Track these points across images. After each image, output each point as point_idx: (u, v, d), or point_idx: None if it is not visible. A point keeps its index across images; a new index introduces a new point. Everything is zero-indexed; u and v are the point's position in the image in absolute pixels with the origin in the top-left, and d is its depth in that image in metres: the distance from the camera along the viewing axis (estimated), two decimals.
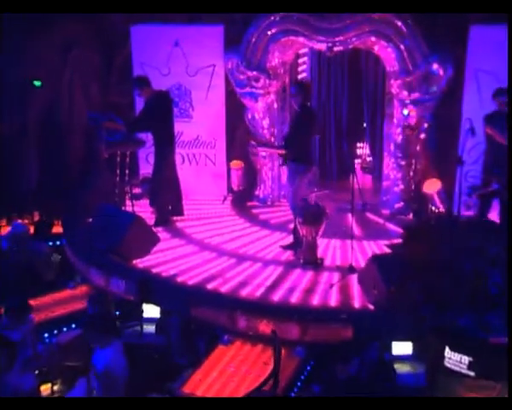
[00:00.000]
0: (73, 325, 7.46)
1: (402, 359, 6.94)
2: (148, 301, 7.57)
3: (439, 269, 5.53)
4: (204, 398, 5.87)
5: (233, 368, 6.54)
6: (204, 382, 6.30)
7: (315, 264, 8.15)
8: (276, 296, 7.33)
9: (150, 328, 7.67)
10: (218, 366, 6.60)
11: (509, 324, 5.31)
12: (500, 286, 5.37)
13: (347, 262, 8.13)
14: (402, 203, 10.28)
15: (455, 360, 5.36)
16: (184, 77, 10.77)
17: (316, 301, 7.21)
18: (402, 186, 10.27)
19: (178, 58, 10.71)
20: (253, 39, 10.05)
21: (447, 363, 5.43)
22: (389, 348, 6.43)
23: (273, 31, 9.92)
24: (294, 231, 8.51)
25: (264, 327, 6.93)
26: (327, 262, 8.40)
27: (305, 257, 8.19)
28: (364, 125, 12.13)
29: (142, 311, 7.39)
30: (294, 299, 7.26)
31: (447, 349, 5.40)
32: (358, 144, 12.90)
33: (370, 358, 6.39)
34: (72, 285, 8.54)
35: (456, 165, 8.21)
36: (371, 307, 6.98)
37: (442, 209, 9.88)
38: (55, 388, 6.60)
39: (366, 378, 6.25)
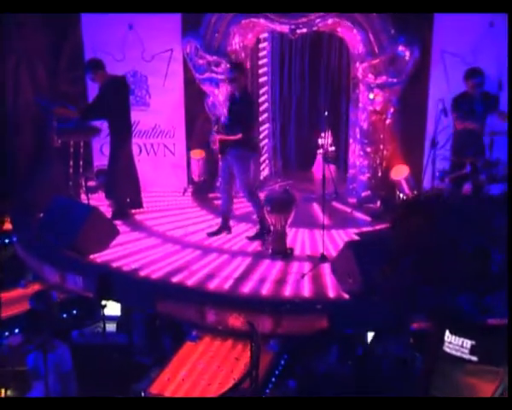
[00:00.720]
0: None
1: None
2: (109, 298, 7.16)
3: (437, 246, 5.23)
4: (177, 398, 5.45)
5: (202, 365, 6.17)
6: (172, 381, 5.90)
7: (284, 254, 7.81)
8: (246, 288, 6.98)
9: (111, 327, 7.27)
10: (186, 363, 6.23)
11: (509, 317, 5.10)
12: (501, 265, 5.10)
13: (317, 252, 7.84)
14: (369, 192, 10.01)
15: (456, 344, 5.05)
16: (140, 63, 10.30)
17: (288, 292, 6.87)
18: (368, 174, 9.99)
19: (133, 43, 10.20)
20: (213, 21, 9.64)
21: (447, 348, 5.12)
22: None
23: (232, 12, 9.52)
24: (260, 221, 8.16)
25: (235, 321, 6.57)
26: (296, 252, 8.05)
27: (274, 247, 7.84)
28: (326, 113, 11.78)
29: (105, 307, 6.97)
30: (265, 290, 6.91)
31: (447, 333, 5.08)
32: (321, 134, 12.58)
33: (355, 350, 6.09)
34: (23, 284, 8.04)
35: (430, 148, 7.98)
36: (346, 296, 6.69)
37: (412, 195, 9.64)
38: (8, 393, 6.14)
39: (350, 372, 5.96)
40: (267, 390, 5.83)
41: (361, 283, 6.41)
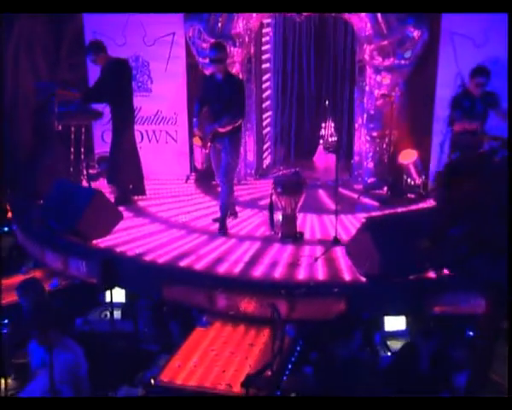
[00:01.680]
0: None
1: (396, 335, 6.36)
2: (113, 284, 6.67)
3: (490, 213, 4.71)
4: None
5: (215, 351, 5.69)
6: (184, 368, 5.42)
7: (294, 238, 7.33)
8: (258, 272, 6.50)
9: (116, 314, 6.79)
10: (197, 350, 5.74)
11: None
12: None
13: (327, 236, 7.43)
14: (374, 178, 9.57)
15: None
16: (142, 47, 9.82)
17: (301, 275, 6.40)
18: (374, 160, 9.55)
19: (135, 27, 9.68)
20: None
21: None
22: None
23: None
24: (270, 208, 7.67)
25: (247, 305, 6.10)
26: (306, 236, 7.58)
27: (284, 231, 7.37)
28: (327, 102, 11.33)
29: (111, 294, 6.49)
30: (278, 274, 6.44)
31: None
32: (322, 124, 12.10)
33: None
34: (24, 271, 7.55)
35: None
36: (363, 279, 6.23)
37: (418, 181, 9.20)
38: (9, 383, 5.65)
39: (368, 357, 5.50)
40: (284, 377, 5.36)
41: (379, 264, 5.95)
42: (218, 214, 7.80)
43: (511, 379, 4.39)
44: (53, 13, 6.39)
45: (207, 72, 9.06)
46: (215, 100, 7.39)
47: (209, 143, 7.47)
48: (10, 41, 9.88)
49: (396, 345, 6.18)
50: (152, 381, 5.33)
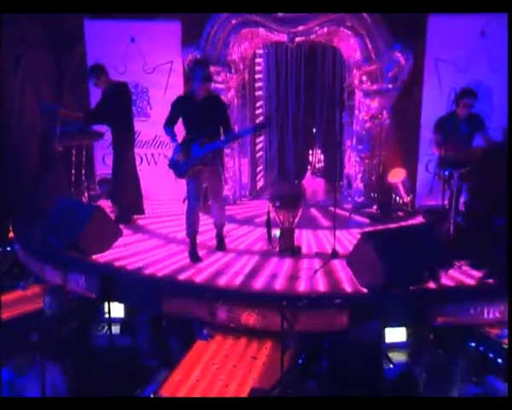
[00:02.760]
0: None
1: (397, 347, 5.60)
2: (113, 299, 5.90)
3: None
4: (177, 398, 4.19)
5: (217, 365, 4.92)
6: (185, 383, 4.66)
7: (292, 251, 6.60)
8: (258, 284, 5.75)
9: (114, 329, 5.99)
10: (199, 363, 4.99)
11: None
12: None
13: (324, 249, 6.73)
14: (363, 198, 8.90)
15: None
16: (141, 75, 9.16)
17: (302, 287, 5.67)
18: (364, 180, 8.89)
19: (135, 55, 9.06)
20: (213, 32, 8.58)
21: None
22: None
23: (233, 22, 8.47)
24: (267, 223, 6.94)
25: (248, 317, 5.34)
26: (303, 250, 6.84)
27: (282, 245, 6.64)
28: (314, 130, 10.66)
29: (108, 309, 5.70)
30: (278, 286, 5.70)
31: None
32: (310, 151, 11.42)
33: None
34: (22, 286, 6.74)
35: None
36: (364, 290, 5.51)
37: (407, 200, 8.54)
38: None
39: None
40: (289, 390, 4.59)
41: (381, 275, 5.25)
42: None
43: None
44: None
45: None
46: (196, 119, 6.23)
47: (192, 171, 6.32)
48: (17, 73, 9.19)
49: (397, 357, 5.44)
50: (152, 396, 4.55)
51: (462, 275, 6.05)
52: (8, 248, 7.98)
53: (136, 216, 8.18)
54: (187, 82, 8.91)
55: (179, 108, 6.32)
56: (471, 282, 5.93)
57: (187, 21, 8.89)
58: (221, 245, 6.78)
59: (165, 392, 4.53)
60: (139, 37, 9.05)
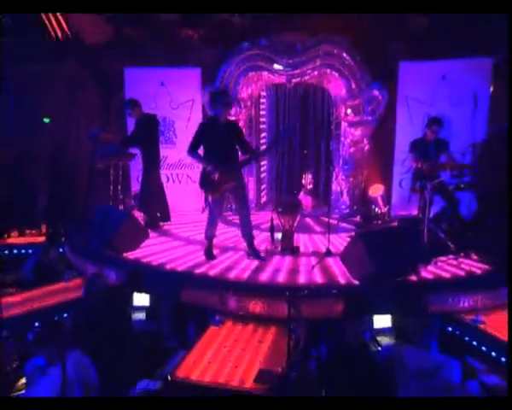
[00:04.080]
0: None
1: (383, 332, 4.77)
2: (140, 290, 5.13)
3: None
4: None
5: (227, 348, 4.10)
6: (199, 364, 3.84)
7: (292, 250, 5.81)
8: (264, 277, 4.96)
9: (140, 315, 5.20)
10: (211, 347, 4.17)
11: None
12: None
13: (319, 249, 5.95)
14: (348, 210, 8.11)
15: None
16: (168, 110, 8.46)
17: (302, 279, 4.87)
18: (349, 194, 8.11)
19: (164, 95, 8.41)
20: (226, 75, 7.93)
21: None
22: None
23: (242, 67, 7.82)
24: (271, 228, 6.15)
25: (254, 306, 4.55)
26: (301, 250, 6.04)
27: (283, 245, 5.86)
28: (305, 151, 9.84)
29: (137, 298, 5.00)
30: (281, 279, 4.90)
31: None
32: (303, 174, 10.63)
33: None
34: (67, 278, 5.95)
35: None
36: (356, 282, 4.71)
37: (384, 210, 7.76)
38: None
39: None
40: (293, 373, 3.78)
41: (371, 269, 4.46)
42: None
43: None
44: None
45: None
46: (219, 141, 5.31)
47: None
48: (73, 106, 8.58)
49: (384, 341, 4.62)
50: (168, 377, 3.73)
51: (439, 269, 5.27)
52: (61, 250, 7.19)
53: (162, 223, 7.38)
54: (206, 116, 8.24)
55: (203, 132, 5.42)
56: (447, 275, 5.14)
57: (205, 67, 8.26)
58: (254, 253, 5.64)
59: (181, 373, 3.71)
60: (167, 80, 8.41)
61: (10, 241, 7.58)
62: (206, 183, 5.39)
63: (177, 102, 8.45)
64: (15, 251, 7.21)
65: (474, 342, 4.50)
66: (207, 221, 5.72)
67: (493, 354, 4.35)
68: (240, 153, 5.55)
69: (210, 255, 5.66)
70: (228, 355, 3.94)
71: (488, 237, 5.70)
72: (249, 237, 5.62)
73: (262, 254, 5.60)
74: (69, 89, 8.60)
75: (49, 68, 8.16)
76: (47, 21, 7.77)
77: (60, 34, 7.93)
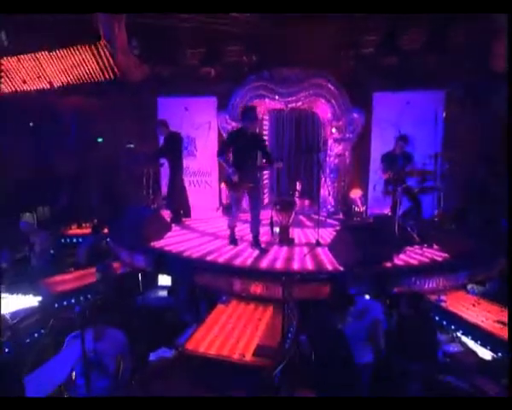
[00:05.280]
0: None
1: None
2: (163, 272, 4.66)
3: None
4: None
5: (231, 324, 3.61)
6: (206, 338, 3.34)
7: (288, 242, 5.30)
8: (264, 264, 4.46)
9: (164, 293, 4.74)
10: (218, 322, 3.67)
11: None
12: None
13: (310, 241, 5.39)
14: (332, 209, 7.58)
15: None
16: (191, 130, 7.99)
17: (296, 266, 4.36)
18: (334, 197, 7.56)
19: (187, 118, 7.93)
20: (236, 102, 7.43)
21: None
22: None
23: (249, 95, 7.34)
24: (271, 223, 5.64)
25: (256, 288, 4.06)
26: (296, 241, 5.50)
27: (281, 237, 5.36)
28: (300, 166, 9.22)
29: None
30: (279, 265, 4.40)
31: None
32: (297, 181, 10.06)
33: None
34: (106, 263, 5.46)
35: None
36: (341, 268, 4.19)
37: (362, 209, 7.22)
38: None
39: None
40: (287, 345, 3.27)
41: (355, 256, 3.94)
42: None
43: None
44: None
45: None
46: (245, 149, 4.82)
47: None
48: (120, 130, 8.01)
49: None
50: (179, 349, 3.25)
51: (407, 257, 4.75)
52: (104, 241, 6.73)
53: (185, 219, 6.90)
54: (220, 135, 7.76)
55: (233, 140, 4.92)
56: (415, 262, 4.61)
57: (220, 96, 7.77)
58: (257, 245, 5.07)
59: (190, 345, 3.23)
60: (190, 106, 7.94)
61: (71, 232, 7.19)
62: (228, 182, 4.95)
63: (198, 123, 7.99)
64: (74, 240, 6.86)
65: (437, 318, 3.99)
66: (231, 214, 5.25)
67: (452, 327, 3.87)
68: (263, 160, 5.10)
69: (233, 241, 5.21)
70: (231, 330, 3.47)
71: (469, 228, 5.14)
72: (255, 233, 5.11)
73: (263, 246, 5.10)
74: (115, 114, 8.16)
75: (102, 99, 7.77)
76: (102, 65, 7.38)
77: (111, 75, 7.56)
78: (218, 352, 3.11)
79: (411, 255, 4.84)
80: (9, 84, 8.09)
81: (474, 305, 4.10)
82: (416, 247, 5.14)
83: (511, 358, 2.75)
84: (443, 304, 4.14)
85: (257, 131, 5.22)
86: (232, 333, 3.40)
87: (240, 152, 4.85)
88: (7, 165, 7.28)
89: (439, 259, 4.78)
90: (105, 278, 4.19)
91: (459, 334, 3.79)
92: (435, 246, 5.19)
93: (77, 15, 4.96)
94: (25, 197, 7.56)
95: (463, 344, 3.72)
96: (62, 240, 6.88)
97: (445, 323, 3.93)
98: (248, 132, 4.83)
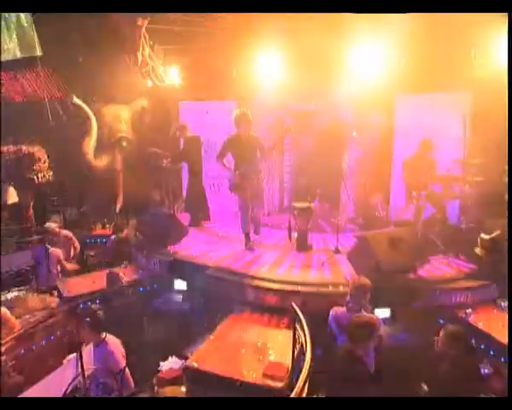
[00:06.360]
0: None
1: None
2: (177, 277, 4.42)
3: None
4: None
5: (243, 336, 3.31)
6: (215, 352, 3.06)
7: (306, 247, 4.95)
8: (280, 271, 4.15)
9: (178, 297, 4.50)
10: (229, 334, 3.38)
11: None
12: None
13: (329, 247, 5.02)
14: (352, 214, 7.14)
15: None
16: (211, 134, 7.70)
17: (313, 275, 4.02)
18: (354, 202, 7.11)
19: (208, 121, 7.64)
20: None
21: None
22: None
23: None
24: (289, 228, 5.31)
25: (271, 298, 3.73)
26: (314, 247, 5.15)
27: (299, 243, 5.01)
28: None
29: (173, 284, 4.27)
30: (295, 273, 4.07)
31: None
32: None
33: None
34: (124, 265, 5.31)
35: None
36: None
37: (383, 214, 6.76)
38: None
39: None
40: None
41: (376, 266, 3.55)
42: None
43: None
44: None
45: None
46: (241, 152, 4.85)
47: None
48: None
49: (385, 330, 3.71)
50: (186, 363, 2.97)
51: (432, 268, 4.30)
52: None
53: (204, 221, 6.66)
54: None
55: (230, 145, 4.95)
56: (439, 273, 4.16)
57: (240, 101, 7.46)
58: (248, 244, 5.01)
59: (198, 360, 2.95)
60: (211, 110, 7.66)
61: (95, 232, 7.16)
62: (231, 186, 4.98)
63: (218, 127, 7.71)
64: (98, 240, 6.80)
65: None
66: (240, 218, 5.04)
67: (482, 347, 3.42)
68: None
69: (249, 246, 4.96)
70: (242, 345, 3.15)
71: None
72: (246, 231, 4.98)
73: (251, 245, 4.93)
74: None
75: None
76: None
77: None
78: (225, 369, 2.80)
79: (435, 265, 4.38)
80: None
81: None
82: (441, 256, 4.68)
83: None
84: (470, 319, 3.70)
85: (252, 134, 4.97)
86: (242, 347, 3.09)
87: (238, 156, 4.89)
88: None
89: (466, 269, 4.30)
90: (112, 284, 3.98)
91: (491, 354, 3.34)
92: (461, 256, 4.70)
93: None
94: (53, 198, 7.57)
95: (495, 367, 3.26)
96: (87, 240, 6.81)
97: (473, 341, 3.48)
98: (243, 136, 4.79)
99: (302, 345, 2.52)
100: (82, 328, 2.68)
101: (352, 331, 2.54)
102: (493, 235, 3.89)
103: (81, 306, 3.46)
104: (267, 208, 7.75)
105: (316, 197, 8.46)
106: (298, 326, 2.63)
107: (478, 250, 3.93)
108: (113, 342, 2.87)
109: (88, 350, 2.65)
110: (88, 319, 2.85)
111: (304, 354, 2.38)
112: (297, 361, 2.53)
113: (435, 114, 6.53)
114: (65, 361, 2.67)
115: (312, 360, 2.47)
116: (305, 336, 2.50)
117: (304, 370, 2.18)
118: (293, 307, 2.74)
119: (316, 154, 8.34)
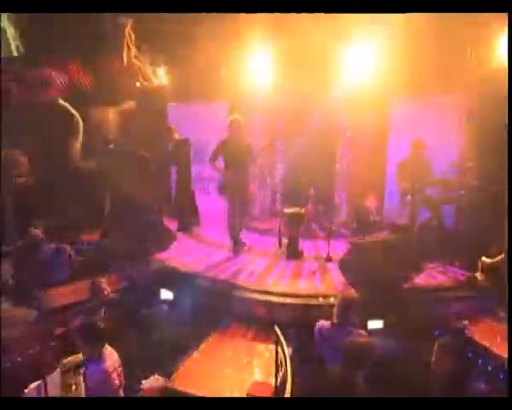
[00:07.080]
0: None
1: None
2: (164, 286, 4.22)
3: None
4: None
5: (230, 353, 3.12)
6: (197, 371, 2.86)
7: (296, 255, 4.77)
8: (269, 280, 3.95)
9: (164, 307, 4.30)
10: (215, 350, 3.17)
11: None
12: None
13: (319, 254, 4.84)
14: (346, 218, 6.98)
15: None
16: (202, 136, 7.51)
17: (303, 285, 3.83)
18: (348, 206, 6.95)
19: (198, 123, 7.37)
20: None
21: None
22: None
23: None
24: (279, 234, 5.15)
25: (259, 310, 3.54)
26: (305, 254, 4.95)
27: (289, 250, 4.83)
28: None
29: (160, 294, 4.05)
30: (284, 284, 3.88)
31: None
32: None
33: None
34: (107, 275, 5.06)
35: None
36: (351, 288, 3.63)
37: (377, 218, 6.59)
38: None
39: None
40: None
41: (365, 276, 3.38)
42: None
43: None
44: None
45: None
46: (231, 155, 4.87)
47: None
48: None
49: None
50: (167, 384, 2.78)
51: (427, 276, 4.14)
52: None
53: (193, 227, 6.45)
54: None
55: (221, 149, 4.95)
56: (435, 282, 4.00)
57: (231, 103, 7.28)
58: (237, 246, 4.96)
59: (179, 380, 2.75)
60: (201, 112, 7.43)
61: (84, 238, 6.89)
62: (218, 188, 5.00)
63: (209, 129, 7.53)
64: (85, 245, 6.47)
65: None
66: (227, 223, 4.94)
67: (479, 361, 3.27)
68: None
69: (237, 252, 4.85)
70: (227, 362, 2.96)
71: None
72: (232, 234, 4.91)
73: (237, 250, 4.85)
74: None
75: None
76: None
77: None
78: (207, 388, 2.62)
79: (431, 274, 4.22)
80: None
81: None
82: (437, 263, 4.53)
83: (511, 359, 2.22)
84: (467, 331, 3.53)
85: (243, 138, 4.89)
86: (227, 366, 2.90)
87: (227, 160, 4.90)
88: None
89: (462, 278, 4.15)
90: (95, 295, 3.78)
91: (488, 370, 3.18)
92: (458, 263, 4.55)
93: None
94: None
95: (492, 383, 3.10)
96: (74, 245, 6.57)
97: (470, 355, 3.32)
98: (234, 141, 4.80)
99: (286, 370, 2.34)
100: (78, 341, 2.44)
101: (346, 355, 2.35)
102: (495, 260, 3.74)
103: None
104: (258, 212, 7.56)
105: (309, 200, 8.36)
106: (280, 350, 2.44)
107: (478, 275, 3.78)
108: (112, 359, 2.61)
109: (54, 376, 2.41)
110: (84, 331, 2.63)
111: (284, 384, 2.19)
112: (281, 385, 2.34)
113: (430, 116, 6.41)
114: (26, 391, 2.37)
115: (300, 381, 2.29)
116: (286, 363, 2.30)
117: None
118: (275, 331, 2.54)
119: (309, 155, 8.19)
